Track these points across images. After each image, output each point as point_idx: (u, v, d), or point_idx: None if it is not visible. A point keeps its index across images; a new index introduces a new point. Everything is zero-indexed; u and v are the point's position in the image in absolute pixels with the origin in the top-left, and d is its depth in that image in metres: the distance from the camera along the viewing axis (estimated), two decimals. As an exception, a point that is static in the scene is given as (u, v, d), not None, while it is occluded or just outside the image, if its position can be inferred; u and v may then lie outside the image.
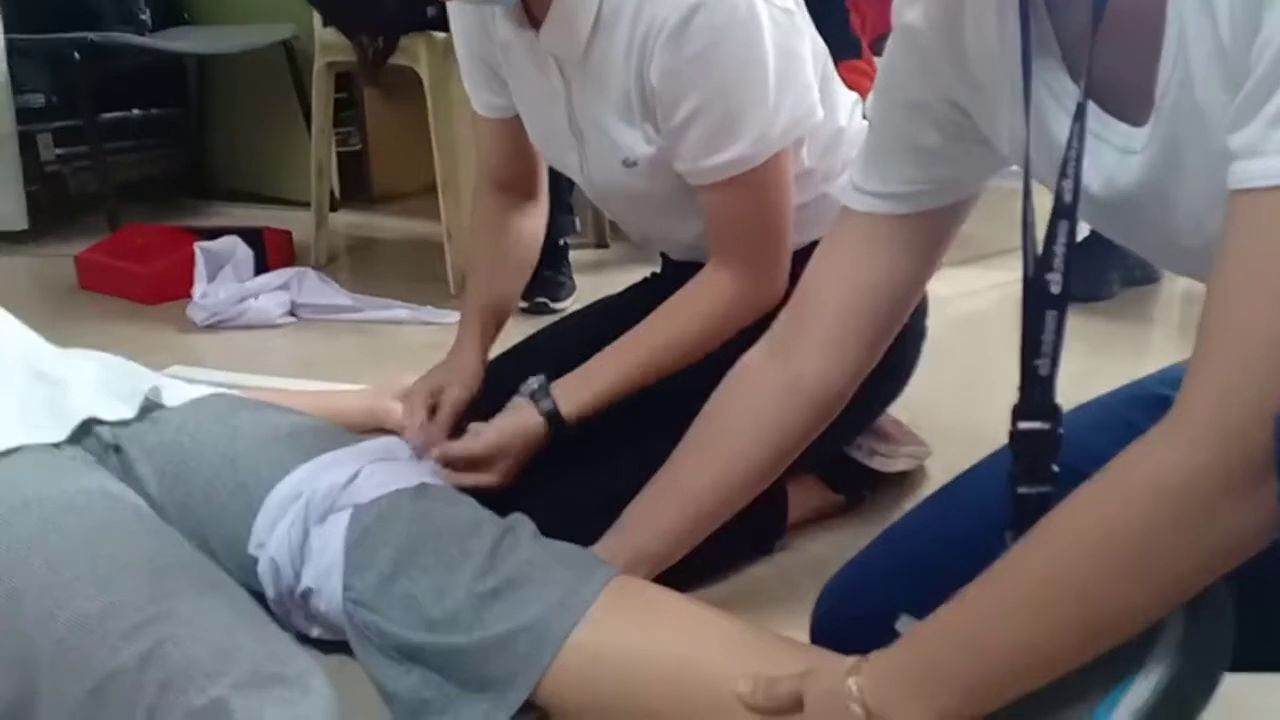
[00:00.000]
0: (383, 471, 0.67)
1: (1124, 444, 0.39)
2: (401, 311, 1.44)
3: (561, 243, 1.48)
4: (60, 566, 0.55)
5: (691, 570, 0.68)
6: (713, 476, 0.63)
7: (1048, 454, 0.46)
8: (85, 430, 0.71)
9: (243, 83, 2.13)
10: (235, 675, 0.51)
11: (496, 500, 0.68)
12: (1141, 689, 0.40)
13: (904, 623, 0.47)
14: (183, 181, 2.23)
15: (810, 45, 0.76)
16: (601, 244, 1.76)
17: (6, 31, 1.79)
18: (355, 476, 0.66)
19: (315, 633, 0.67)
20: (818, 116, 0.76)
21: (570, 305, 1.41)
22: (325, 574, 0.63)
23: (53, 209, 1.98)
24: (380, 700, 0.61)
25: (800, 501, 0.86)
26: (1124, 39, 0.42)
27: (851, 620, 0.56)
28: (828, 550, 0.83)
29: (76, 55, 1.79)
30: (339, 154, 2.03)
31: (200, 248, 1.48)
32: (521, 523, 0.64)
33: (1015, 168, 0.50)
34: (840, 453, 0.88)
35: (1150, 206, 0.44)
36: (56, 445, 0.68)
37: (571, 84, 0.78)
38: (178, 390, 0.77)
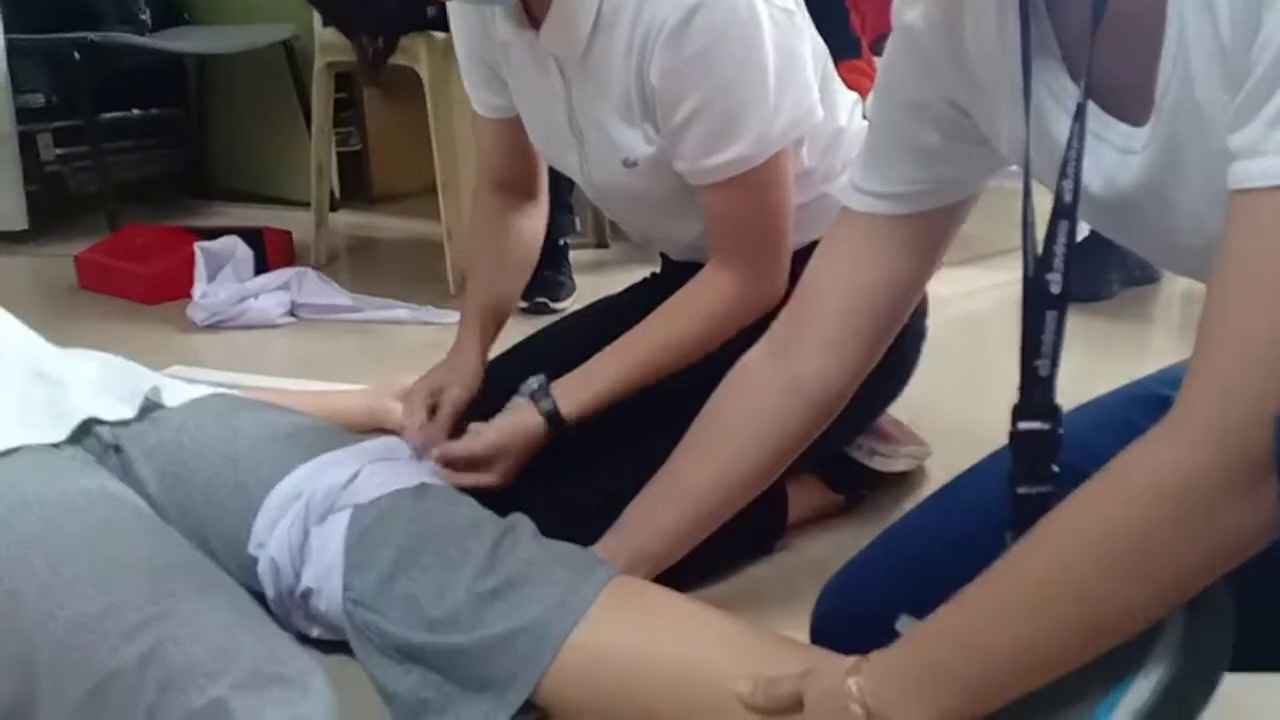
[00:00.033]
0: (383, 471, 0.67)
1: (1124, 444, 0.39)
2: (401, 311, 1.44)
3: (561, 243, 1.48)
4: (60, 566, 0.56)
5: (691, 570, 0.68)
6: (713, 476, 0.63)
7: (1048, 454, 0.46)
8: (85, 430, 0.71)
9: (243, 83, 2.13)
10: (235, 675, 0.51)
11: (496, 500, 0.68)
12: (1141, 689, 0.40)
13: (904, 623, 0.47)
14: (183, 181, 2.23)
15: (810, 45, 0.76)
16: (601, 244, 1.76)
17: (6, 31, 1.79)
18: (355, 476, 0.66)
19: (315, 633, 0.67)
20: (818, 116, 0.76)
21: (570, 305, 1.41)
22: (325, 574, 0.63)
23: (53, 209, 1.98)
24: (380, 700, 0.61)
25: (800, 501, 0.86)
26: (1124, 39, 0.42)
27: (851, 620, 0.56)
28: (828, 550, 0.83)
29: (76, 55, 1.79)
30: (339, 154, 2.03)
31: (200, 248, 1.48)
32: (521, 523, 0.64)
33: (1015, 168, 0.50)
34: (840, 453, 0.88)
35: (1150, 206, 0.44)
36: (56, 445, 0.68)
37: (571, 84, 0.78)
38: (178, 390, 0.77)
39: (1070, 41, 0.45)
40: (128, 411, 0.73)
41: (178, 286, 1.47)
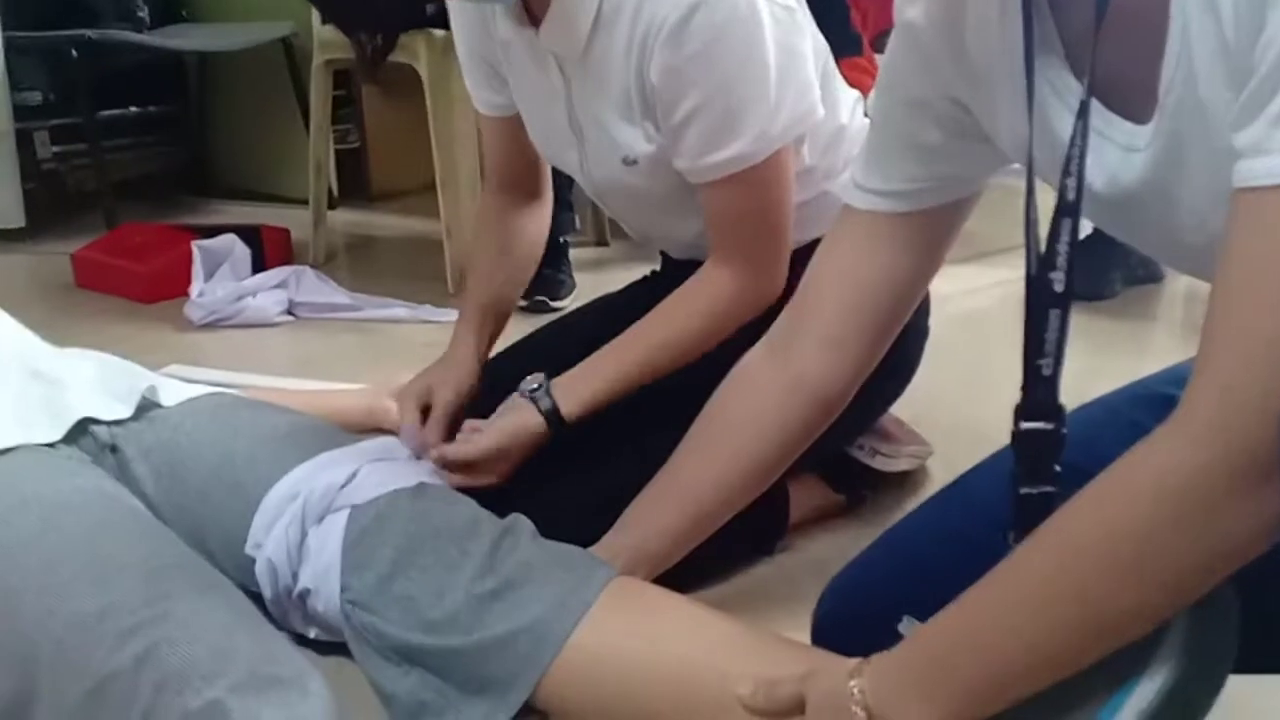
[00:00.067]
0: (381, 471, 0.67)
1: (1128, 443, 0.39)
2: (400, 310, 1.44)
3: (561, 240, 1.48)
4: (58, 566, 0.55)
5: (692, 570, 0.68)
6: (713, 476, 0.62)
7: (1051, 454, 0.45)
8: (81, 430, 0.70)
9: (241, 80, 2.12)
10: (232, 677, 0.50)
11: (495, 500, 0.68)
12: (1146, 691, 0.40)
13: (907, 625, 0.47)
14: (181, 179, 2.22)
15: (811, 42, 0.76)
16: (601, 242, 1.76)
17: (4, 29, 1.78)
18: (353, 476, 0.66)
19: (313, 634, 0.67)
20: (819, 114, 0.76)
21: (570, 303, 1.41)
22: (323, 574, 0.63)
23: (50, 207, 1.98)
24: (378, 702, 0.60)
25: (801, 501, 0.86)
26: (1127, 36, 0.42)
27: (853, 621, 0.56)
28: (829, 551, 0.83)
29: (74, 52, 1.78)
30: (337, 152, 2.02)
31: (198, 246, 1.48)
32: (520, 523, 0.64)
33: (1017, 165, 0.49)
34: (842, 452, 0.88)
35: (1154, 204, 0.44)
36: (52, 445, 0.68)
37: (571, 82, 0.77)
38: (175, 390, 0.76)
39: (1073, 38, 0.45)
40: (124, 411, 0.73)
41: (175, 285, 1.47)
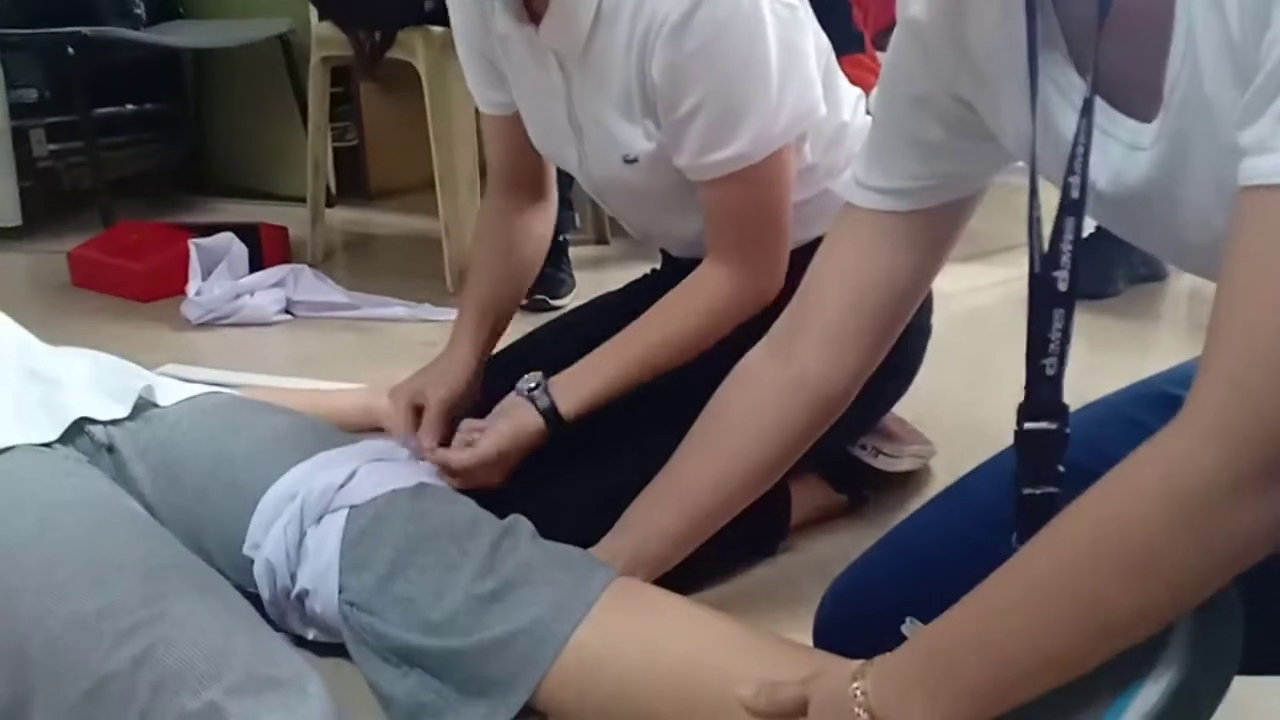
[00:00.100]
0: (379, 471, 0.67)
1: (1131, 443, 0.38)
2: (399, 309, 1.43)
3: (561, 239, 1.48)
4: (56, 566, 0.55)
5: (693, 571, 0.68)
6: (714, 476, 0.62)
7: (1054, 454, 0.45)
8: (78, 429, 0.70)
9: (238, 78, 2.11)
10: (229, 679, 0.50)
11: (494, 500, 0.68)
12: (1150, 693, 0.39)
13: (910, 627, 0.46)
14: (178, 177, 2.21)
15: (813, 40, 0.75)
16: (601, 240, 1.75)
17: (0, 26, 1.78)
18: (352, 476, 0.66)
19: (311, 635, 0.67)
20: (820, 112, 0.76)
21: (570, 302, 1.40)
22: (321, 575, 0.63)
23: (46, 205, 1.97)
24: (377, 703, 0.60)
25: (803, 502, 0.85)
26: (1131, 33, 0.41)
27: (855, 623, 0.56)
28: (831, 551, 0.82)
29: (70, 50, 1.77)
30: (335, 149, 2.01)
31: (195, 244, 1.47)
32: (520, 524, 0.63)
33: (1021, 164, 0.49)
34: (844, 452, 0.88)
35: (1158, 202, 0.43)
36: (49, 445, 0.68)
37: (571, 79, 0.77)
38: (172, 389, 0.76)
39: (1076, 36, 0.44)
40: (121, 410, 0.72)
41: (172, 283, 1.46)
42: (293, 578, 0.64)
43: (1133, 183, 0.43)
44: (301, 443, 0.70)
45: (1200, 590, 0.38)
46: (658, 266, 0.96)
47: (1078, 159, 0.43)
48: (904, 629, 0.47)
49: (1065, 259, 0.44)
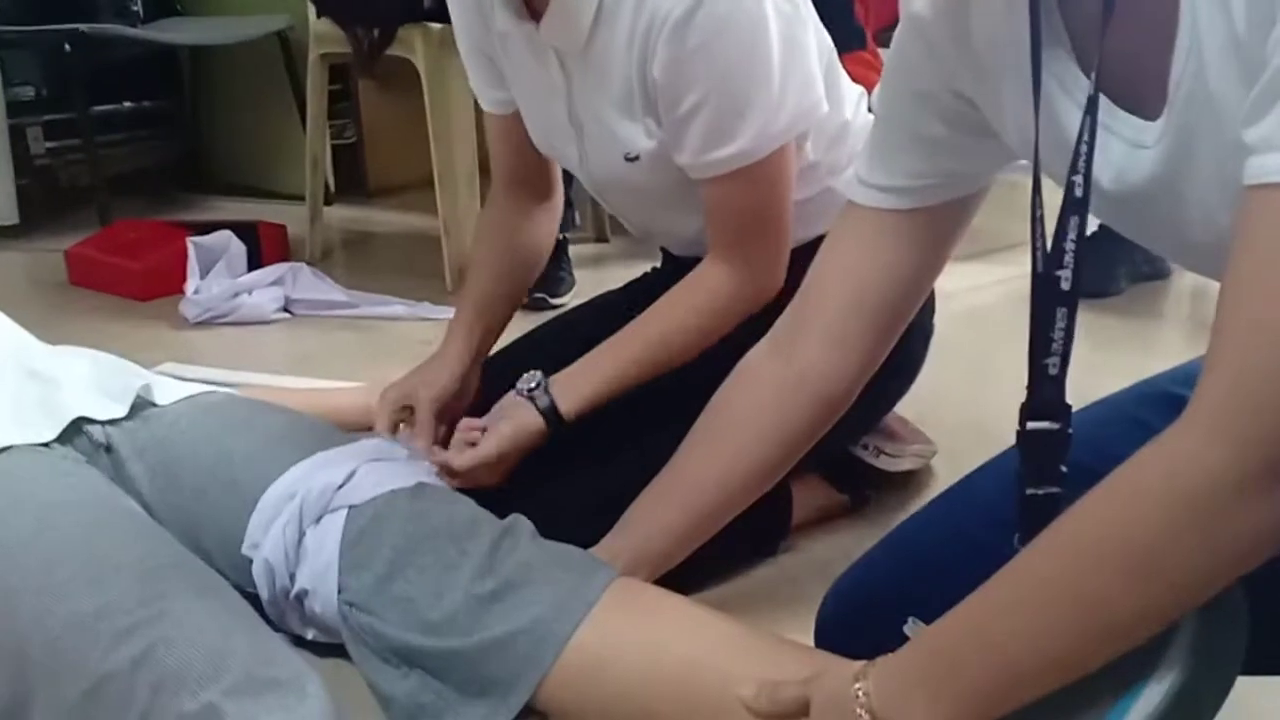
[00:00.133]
0: (379, 471, 0.67)
1: (1135, 442, 0.38)
2: (398, 307, 1.43)
3: (561, 237, 1.47)
4: (54, 566, 0.55)
5: (694, 571, 0.67)
6: (716, 475, 0.62)
7: (1057, 454, 0.45)
8: (76, 429, 0.70)
9: (236, 75, 2.11)
10: (228, 680, 0.50)
11: (494, 500, 0.67)
12: (1153, 695, 0.39)
13: (912, 627, 0.46)
14: (175, 175, 2.20)
15: (815, 37, 0.75)
16: (601, 239, 1.75)
17: (-3, 23, 1.78)
18: (351, 476, 0.66)
19: (310, 635, 0.66)
20: (823, 110, 0.75)
21: (570, 300, 1.40)
22: (320, 575, 0.63)
23: (43, 203, 1.96)
24: (377, 704, 0.60)
25: (804, 502, 0.85)
26: (1135, 30, 0.41)
27: (856, 622, 0.56)
28: (832, 551, 0.82)
29: (68, 47, 1.77)
30: (334, 146, 2.01)
31: (193, 242, 1.47)
32: (520, 524, 0.63)
33: (1023, 161, 0.49)
34: (845, 452, 0.88)
35: (1162, 200, 0.43)
36: (47, 444, 0.67)
37: (572, 77, 0.77)
38: (170, 388, 0.76)
39: (1080, 32, 0.44)
40: (119, 410, 0.72)
41: (170, 282, 1.46)
42: (292, 578, 0.64)
43: (1136, 181, 0.43)
44: (300, 442, 0.69)
45: (1204, 591, 0.38)
46: (658, 265, 0.96)
47: (1081, 157, 0.42)
48: (906, 629, 0.46)
49: (1068, 258, 0.43)
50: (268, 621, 0.63)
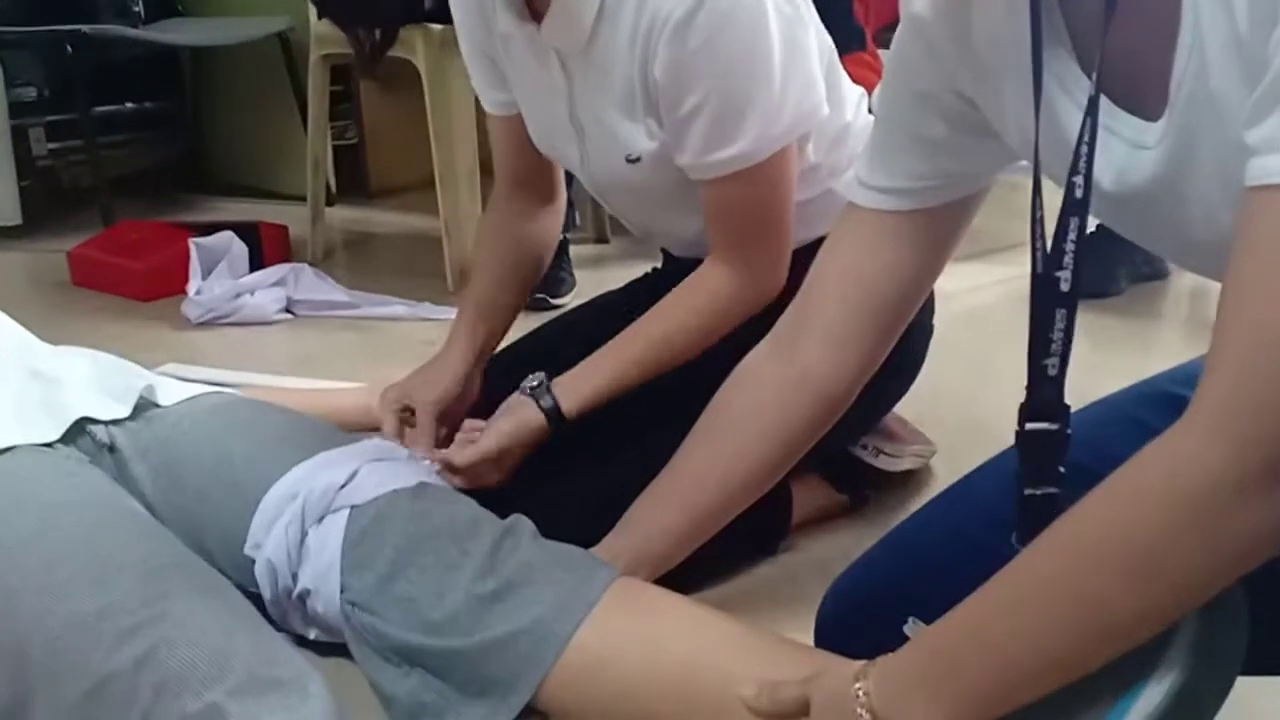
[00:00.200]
0: (381, 471, 0.67)
1: (1134, 442, 0.38)
2: (399, 308, 1.43)
3: (562, 238, 1.47)
4: (56, 566, 0.55)
5: (695, 571, 0.67)
6: (717, 475, 0.62)
7: (1056, 455, 0.45)
8: (79, 429, 0.70)
9: (238, 76, 2.11)
10: (231, 680, 0.50)
11: (496, 500, 0.68)
12: (1153, 695, 0.39)
13: (912, 627, 0.46)
14: (177, 175, 2.21)
15: (816, 37, 0.75)
16: (601, 239, 1.75)
17: (-1, 24, 1.78)
18: (353, 476, 0.66)
19: (313, 635, 0.67)
20: (823, 112, 0.75)
21: (570, 301, 1.40)
22: (323, 575, 0.63)
23: (46, 204, 1.97)
24: (379, 703, 0.60)
25: (804, 502, 0.85)
26: (1137, 29, 0.41)
27: (856, 622, 0.56)
28: (832, 551, 0.82)
29: (69, 48, 1.77)
30: (335, 147, 2.01)
31: (195, 243, 1.47)
32: (521, 524, 0.63)
33: (1024, 162, 0.49)
34: (845, 452, 0.88)
35: (1163, 200, 0.43)
36: (50, 444, 0.68)
37: (573, 78, 0.77)
38: (172, 388, 0.76)
39: (1081, 32, 0.44)
40: (122, 410, 0.72)
41: (172, 283, 1.46)
42: (294, 577, 0.64)
43: (1137, 181, 0.43)
44: (302, 442, 0.70)
45: (1205, 591, 0.38)
46: (658, 265, 0.96)
47: (1082, 158, 0.42)
48: (906, 629, 0.47)
49: (1068, 259, 0.43)
50: (270, 621, 0.63)
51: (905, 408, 0.90)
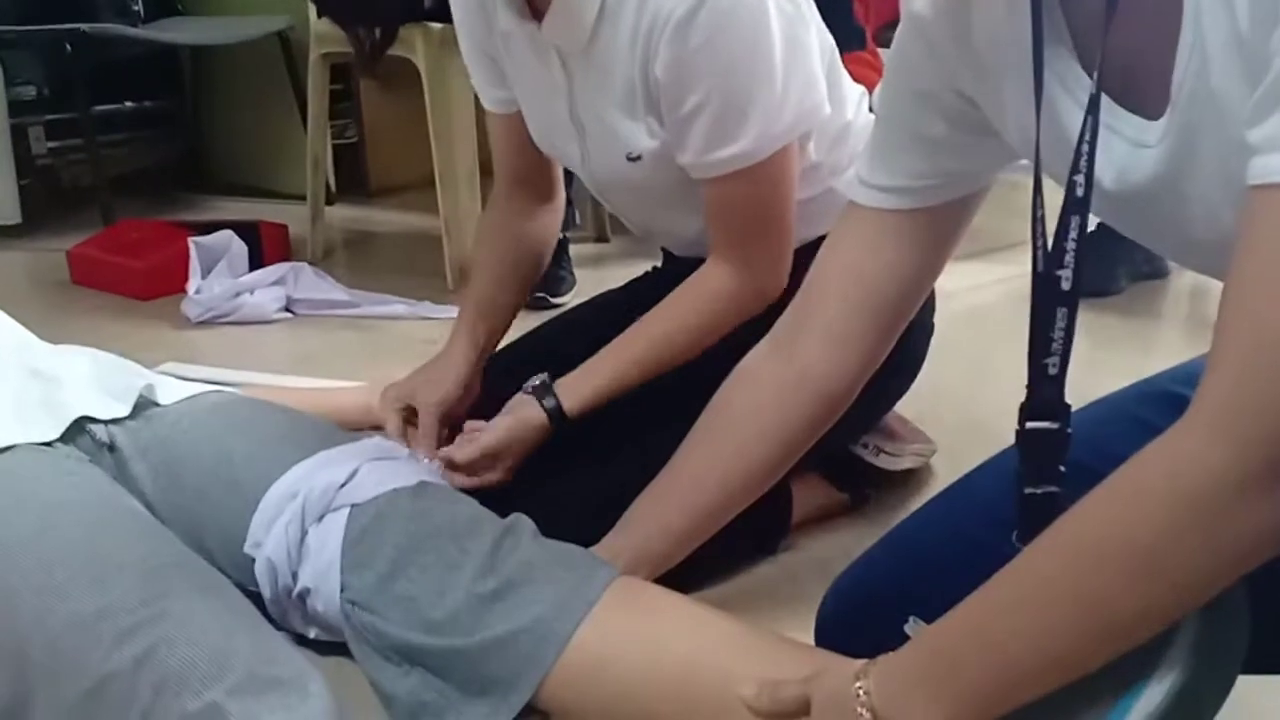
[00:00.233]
0: (381, 470, 0.67)
1: (1134, 442, 0.38)
2: (399, 306, 1.43)
3: (562, 236, 1.47)
4: (56, 565, 0.55)
5: (695, 570, 0.67)
6: (717, 474, 0.62)
7: (1056, 454, 0.45)
8: (79, 428, 0.70)
9: (237, 75, 2.11)
10: (231, 679, 0.50)
11: (496, 499, 0.68)
12: (1154, 694, 0.39)
13: (913, 626, 0.46)
14: (177, 174, 2.21)
15: (817, 36, 0.75)
16: (602, 238, 1.75)
17: (-2, 23, 1.78)
18: (353, 475, 0.66)
19: (313, 634, 0.67)
20: (825, 111, 0.75)
21: (570, 300, 1.40)
22: (323, 574, 0.63)
23: (46, 203, 1.97)
24: (379, 702, 0.60)
25: (804, 501, 0.85)
26: (1138, 28, 0.41)
27: (856, 621, 0.56)
28: (832, 550, 0.82)
29: (69, 47, 1.77)
30: (335, 146, 2.01)
31: (195, 242, 1.47)
32: (521, 523, 0.63)
33: (1024, 161, 0.49)
34: (845, 451, 0.88)
35: (1165, 199, 0.43)
36: (50, 443, 0.68)
37: (574, 77, 0.77)
38: (172, 387, 0.76)
39: (1083, 31, 0.44)
40: (122, 409, 0.72)
41: (172, 282, 1.46)
42: (294, 576, 0.64)
43: (1139, 180, 0.43)
44: (302, 441, 0.70)
45: (1206, 591, 0.38)
46: (659, 264, 0.96)
47: (1083, 156, 0.42)
48: (906, 628, 0.47)
49: (1069, 258, 0.43)
50: (270, 620, 0.63)
51: (906, 406, 0.90)
